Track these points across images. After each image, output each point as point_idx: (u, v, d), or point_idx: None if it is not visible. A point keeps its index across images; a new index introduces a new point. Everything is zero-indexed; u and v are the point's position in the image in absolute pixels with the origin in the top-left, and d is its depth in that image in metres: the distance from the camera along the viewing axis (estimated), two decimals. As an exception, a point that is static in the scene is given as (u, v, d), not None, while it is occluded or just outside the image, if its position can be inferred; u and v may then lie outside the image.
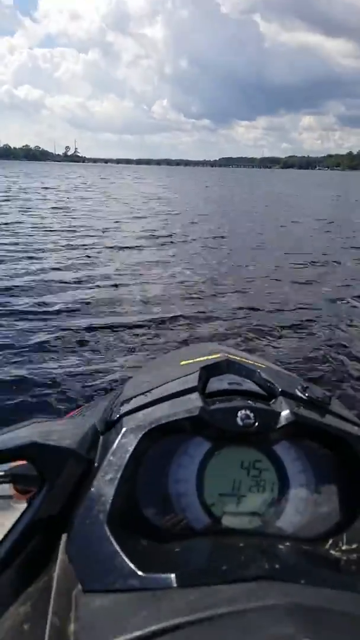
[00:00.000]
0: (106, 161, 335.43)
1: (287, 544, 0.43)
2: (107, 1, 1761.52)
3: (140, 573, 0.36)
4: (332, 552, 0.44)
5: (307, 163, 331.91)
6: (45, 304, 5.52)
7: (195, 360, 0.58)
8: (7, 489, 0.55)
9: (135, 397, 0.52)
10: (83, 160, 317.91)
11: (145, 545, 0.41)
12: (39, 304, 5.47)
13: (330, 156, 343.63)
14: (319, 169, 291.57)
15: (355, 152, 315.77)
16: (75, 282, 6.67)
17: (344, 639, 0.26)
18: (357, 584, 0.37)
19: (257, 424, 0.46)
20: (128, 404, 0.51)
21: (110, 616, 0.32)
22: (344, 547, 0.44)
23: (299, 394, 0.50)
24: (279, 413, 0.47)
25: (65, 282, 6.61)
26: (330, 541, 0.45)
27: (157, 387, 0.52)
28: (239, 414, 0.46)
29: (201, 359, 0.57)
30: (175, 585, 0.35)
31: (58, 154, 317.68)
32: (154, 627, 0.29)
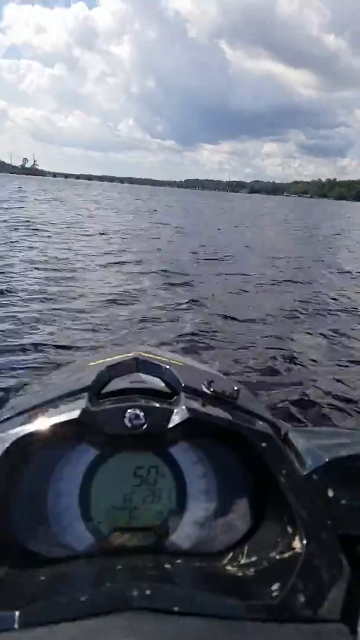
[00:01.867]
0: (67, 176, 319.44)
1: (179, 561, 0.40)
2: (74, 16, 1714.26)
3: None
4: (229, 567, 0.41)
5: (274, 189, 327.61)
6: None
7: (105, 360, 0.52)
8: None
9: (17, 404, 0.46)
10: (43, 173, 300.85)
11: (2, 574, 0.37)
12: None
13: (296, 182, 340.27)
14: (286, 195, 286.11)
15: (323, 180, 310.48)
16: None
17: None
18: (239, 609, 0.34)
19: (147, 424, 0.42)
20: (3, 413, 0.45)
21: None
22: (242, 561, 0.41)
23: (204, 389, 0.45)
24: (172, 410, 0.42)
25: None
26: (230, 555, 0.42)
27: (46, 392, 0.46)
28: (127, 414, 0.42)
29: (111, 359, 0.52)
30: (16, 626, 0.31)
31: (15, 166, 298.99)
32: None
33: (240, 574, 0.40)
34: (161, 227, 16.09)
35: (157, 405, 0.43)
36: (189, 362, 0.55)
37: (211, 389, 0.45)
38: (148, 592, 0.33)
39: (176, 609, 0.32)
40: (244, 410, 0.46)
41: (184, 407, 0.42)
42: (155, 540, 0.43)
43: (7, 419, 0.44)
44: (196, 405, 0.43)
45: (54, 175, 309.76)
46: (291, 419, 2.80)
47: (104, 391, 0.47)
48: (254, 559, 0.41)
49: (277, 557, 0.40)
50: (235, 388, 0.46)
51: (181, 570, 0.39)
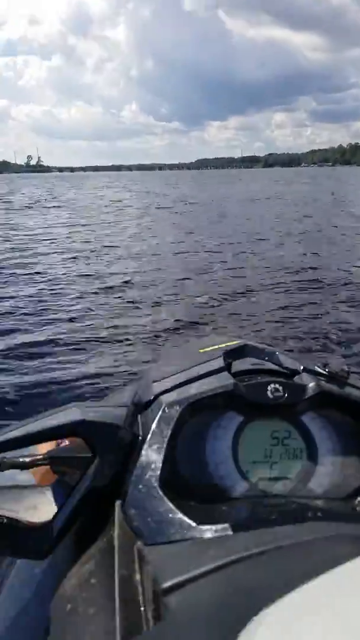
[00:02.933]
0: (72, 169, 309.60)
1: (320, 501, 0.49)
2: (66, 3, 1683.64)
3: (195, 525, 0.39)
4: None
5: (290, 160, 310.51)
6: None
7: (213, 347, 0.61)
8: (25, 479, 0.61)
9: (165, 379, 0.55)
10: (48, 169, 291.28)
11: (193, 505, 0.45)
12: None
13: (313, 152, 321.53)
14: (305, 166, 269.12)
15: (345, 145, 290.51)
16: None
17: None
18: None
19: (286, 396, 0.50)
20: (161, 385, 0.54)
21: (172, 562, 0.35)
22: None
23: (320, 370, 0.54)
24: (306, 386, 0.51)
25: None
26: (359, 498, 0.49)
27: (184, 370, 0.56)
28: (269, 387, 0.50)
29: (220, 345, 0.60)
30: (230, 532, 0.38)
31: (20, 164, 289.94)
32: (224, 560, 0.32)
33: None
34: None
35: (291, 381, 0.53)
36: (286, 352, 0.63)
37: (327, 370, 0.53)
38: (319, 514, 0.41)
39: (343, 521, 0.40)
40: (356, 386, 0.53)
41: (313, 383, 0.51)
42: (294, 488, 0.51)
43: (169, 390, 0.53)
44: (320, 381, 0.52)
45: (59, 170, 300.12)
46: None
47: (236, 370, 0.55)
48: None
49: None
50: (346, 369, 0.54)
51: (325, 504, 0.47)
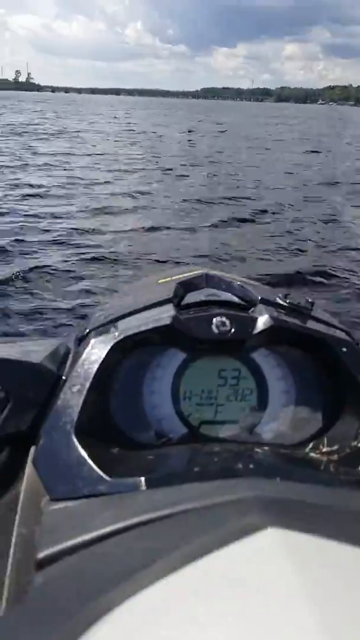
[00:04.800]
0: (67, 90, 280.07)
1: (266, 448, 0.43)
2: None
3: (107, 478, 0.36)
4: (312, 454, 0.44)
5: (304, 96, 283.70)
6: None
7: (173, 278, 0.55)
8: None
9: (107, 313, 0.51)
10: (38, 88, 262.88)
11: (116, 453, 0.42)
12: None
13: (331, 88, 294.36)
14: (322, 103, 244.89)
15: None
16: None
17: (311, 528, 0.24)
18: (333, 480, 0.37)
19: (233, 330, 0.45)
20: (99, 319, 0.51)
21: (74, 520, 0.32)
22: (324, 450, 0.44)
23: (280, 301, 0.49)
24: (257, 318, 0.46)
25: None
26: (311, 445, 0.45)
27: (130, 303, 0.51)
28: (214, 321, 0.45)
29: (180, 276, 0.55)
30: (144, 488, 0.35)
31: (6, 80, 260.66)
32: (116, 526, 0.29)
33: (324, 459, 0.42)
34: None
35: (242, 314, 0.47)
36: (250, 281, 0.59)
37: (287, 301, 0.48)
38: (251, 466, 0.37)
39: (278, 479, 0.35)
40: (321, 320, 0.49)
41: (266, 315, 0.46)
42: (240, 432, 0.47)
43: (102, 325, 0.48)
44: (276, 314, 0.46)
45: (52, 90, 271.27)
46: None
47: (183, 303, 0.50)
48: (335, 447, 0.44)
49: (359, 445, 0.43)
50: (310, 300, 0.49)
51: (270, 453, 0.42)
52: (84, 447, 0.38)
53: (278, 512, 0.27)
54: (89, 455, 0.37)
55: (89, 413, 0.41)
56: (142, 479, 0.35)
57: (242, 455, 0.39)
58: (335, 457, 0.42)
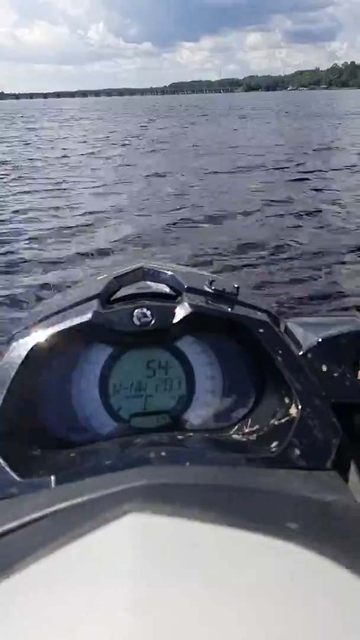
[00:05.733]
0: (32, 96, 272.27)
1: (191, 434, 0.45)
2: None
3: (18, 479, 0.36)
4: (235, 436, 0.46)
5: (274, 83, 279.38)
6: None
7: (112, 274, 0.55)
8: None
9: (37, 312, 0.52)
10: (1, 96, 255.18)
11: (38, 453, 0.42)
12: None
13: (300, 73, 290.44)
14: (292, 89, 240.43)
15: (340, 65, 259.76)
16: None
17: (175, 511, 0.24)
18: (243, 460, 0.40)
19: (154, 321, 0.46)
20: (28, 320, 0.50)
21: None
22: (246, 430, 0.46)
23: (206, 288, 0.49)
24: (174, 307, 0.47)
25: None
26: (236, 427, 0.47)
27: (61, 302, 0.51)
28: (135, 313, 0.46)
29: (119, 272, 0.55)
30: (53, 486, 0.36)
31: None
32: (3, 528, 0.28)
33: (244, 439, 0.45)
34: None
35: (162, 304, 0.48)
36: (194, 270, 0.60)
37: (212, 288, 0.49)
38: (163, 453, 0.37)
39: (188, 463, 0.37)
40: (244, 304, 0.49)
41: (186, 303, 0.46)
42: (170, 421, 0.48)
43: (25, 328, 0.48)
44: (198, 301, 0.47)
45: (16, 96, 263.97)
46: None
47: (113, 298, 0.50)
48: (256, 427, 0.46)
49: (276, 422, 0.45)
50: (236, 286, 0.50)
51: (192, 439, 0.44)
52: (1, 448, 0.39)
53: (152, 498, 0.27)
54: (5, 457, 0.38)
55: (10, 413, 0.41)
56: (53, 477, 0.36)
57: (161, 444, 0.40)
58: (254, 436, 0.44)
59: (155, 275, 0.53)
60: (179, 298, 0.48)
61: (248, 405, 0.48)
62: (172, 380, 0.48)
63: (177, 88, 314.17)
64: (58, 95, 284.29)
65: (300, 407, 0.43)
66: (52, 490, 0.35)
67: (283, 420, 0.44)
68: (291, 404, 0.44)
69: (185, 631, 0.17)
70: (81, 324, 0.45)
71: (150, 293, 0.51)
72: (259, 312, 0.49)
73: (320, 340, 0.49)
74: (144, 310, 0.46)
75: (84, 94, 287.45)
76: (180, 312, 0.46)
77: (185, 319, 0.46)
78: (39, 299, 3.09)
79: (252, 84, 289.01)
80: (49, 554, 0.22)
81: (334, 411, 0.45)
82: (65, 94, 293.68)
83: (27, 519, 0.28)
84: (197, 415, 0.48)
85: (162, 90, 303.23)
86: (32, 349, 0.44)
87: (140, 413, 0.48)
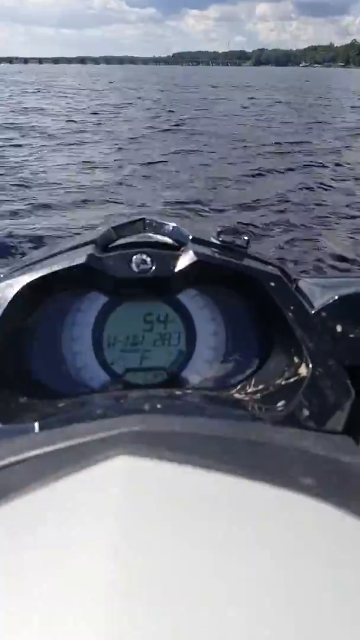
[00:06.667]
0: (26, 60, 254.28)
1: (189, 391, 0.43)
2: None
3: (0, 425, 0.36)
4: (237, 395, 0.43)
5: (285, 58, 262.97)
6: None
7: (110, 225, 0.52)
8: None
9: (29, 258, 0.49)
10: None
11: (24, 402, 0.40)
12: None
13: (313, 48, 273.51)
14: (304, 66, 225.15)
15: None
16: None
17: (164, 455, 0.23)
18: (244, 416, 0.38)
19: (154, 268, 0.43)
20: (19, 265, 0.48)
21: None
22: (249, 390, 0.43)
23: (213, 240, 0.46)
24: (179, 255, 0.44)
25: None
26: (238, 387, 0.44)
27: (54, 249, 0.48)
28: (134, 259, 0.43)
29: (120, 223, 0.52)
30: (36, 431, 0.34)
31: None
32: None
33: (247, 398, 0.42)
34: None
35: (165, 251, 0.44)
36: (200, 224, 0.59)
37: (220, 239, 0.46)
38: (159, 405, 0.35)
39: (182, 416, 0.34)
40: (254, 257, 0.46)
41: (191, 251, 0.43)
42: (167, 378, 0.45)
43: (15, 270, 0.45)
44: (203, 251, 0.44)
45: (10, 61, 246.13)
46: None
47: (111, 246, 0.47)
48: (261, 387, 0.43)
49: (283, 382, 0.42)
50: (246, 238, 0.47)
51: (190, 396, 0.41)
52: None
53: (148, 443, 0.25)
54: None
55: None
56: (36, 424, 0.34)
57: (155, 398, 0.37)
58: (258, 396, 0.42)
59: (158, 227, 0.50)
60: (183, 248, 0.45)
61: (253, 365, 0.45)
62: (170, 336, 0.45)
63: (180, 58, 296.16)
64: (55, 61, 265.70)
65: (311, 366, 0.41)
66: (35, 434, 0.33)
67: (291, 380, 0.42)
68: (301, 364, 0.42)
69: (171, 579, 0.16)
70: (75, 266, 0.42)
71: (151, 242, 0.47)
72: (270, 266, 0.46)
73: (336, 298, 0.45)
74: (144, 256, 0.43)
75: (82, 60, 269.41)
76: (184, 260, 0.43)
77: (188, 268, 0.42)
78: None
79: (262, 58, 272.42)
80: (26, 494, 0.21)
81: (347, 373, 0.42)
82: (63, 59, 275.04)
83: (3, 462, 0.26)
84: (196, 373, 0.45)
85: (166, 60, 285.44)
86: (20, 291, 0.41)
87: (135, 368, 0.45)
